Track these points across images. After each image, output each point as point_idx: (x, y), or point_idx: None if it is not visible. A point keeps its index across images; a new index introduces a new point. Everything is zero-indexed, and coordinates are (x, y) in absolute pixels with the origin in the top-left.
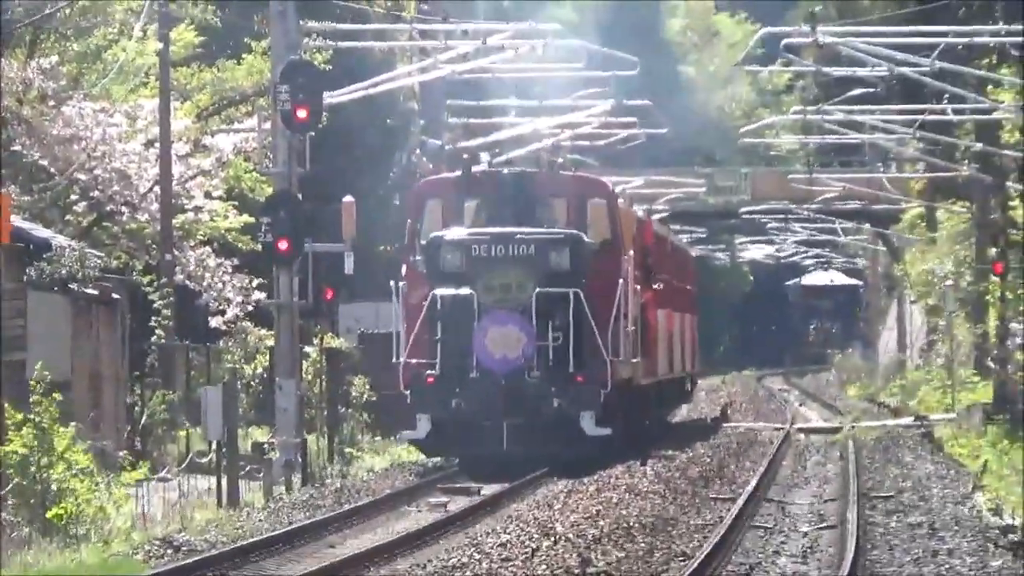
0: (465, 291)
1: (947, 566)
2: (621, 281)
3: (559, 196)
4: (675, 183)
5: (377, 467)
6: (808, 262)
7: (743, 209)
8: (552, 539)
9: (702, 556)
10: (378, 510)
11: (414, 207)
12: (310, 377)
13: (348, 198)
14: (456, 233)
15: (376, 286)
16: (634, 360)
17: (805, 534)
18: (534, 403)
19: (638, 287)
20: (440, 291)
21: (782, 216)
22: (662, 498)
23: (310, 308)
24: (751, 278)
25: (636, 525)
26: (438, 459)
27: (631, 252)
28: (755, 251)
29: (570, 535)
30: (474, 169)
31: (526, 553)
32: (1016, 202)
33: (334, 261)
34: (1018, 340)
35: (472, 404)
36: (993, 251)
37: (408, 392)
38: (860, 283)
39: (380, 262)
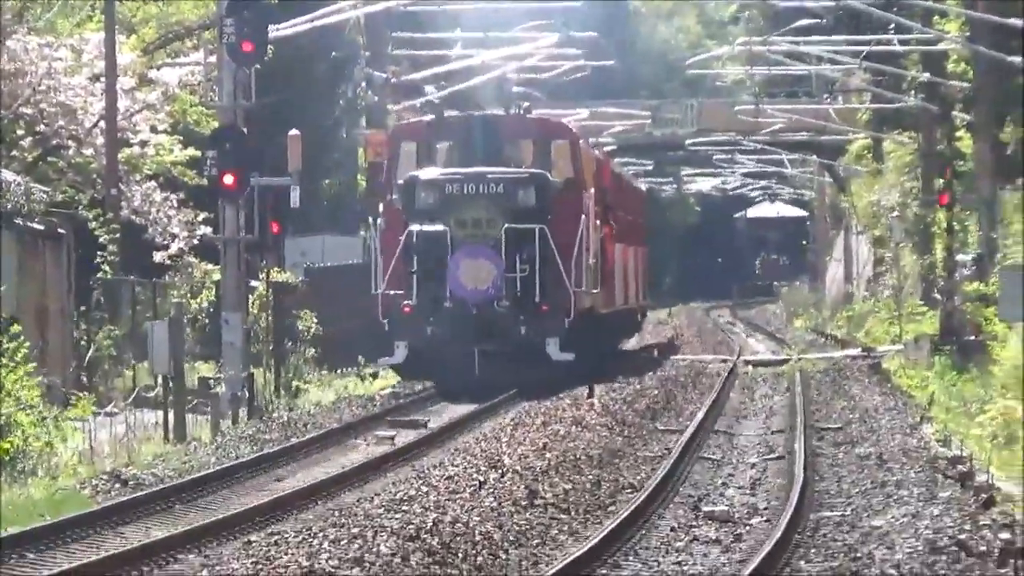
0: (439, 227)
1: (895, 497)
2: (583, 217)
3: (525, 138)
4: (621, 115)
5: (324, 401)
6: (755, 194)
7: (689, 141)
8: (499, 471)
9: (650, 488)
10: (325, 443)
11: (391, 149)
12: (256, 311)
13: (294, 131)
14: (430, 173)
15: (323, 219)
16: (594, 291)
17: (753, 465)
18: (503, 330)
19: (598, 223)
20: (415, 227)
21: (728, 148)
22: (609, 430)
23: (256, 242)
24: (698, 210)
25: (583, 457)
26: (385, 391)
27: (592, 190)
28: (702, 183)
29: (518, 467)
30: (446, 113)
31: (473, 485)
32: (962, 133)
33: (280, 195)
34: (965, 271)
35: (446, 331)
36: (939, 182)
37: (386, 321)
38: (807, 215)
39: (326, 195)
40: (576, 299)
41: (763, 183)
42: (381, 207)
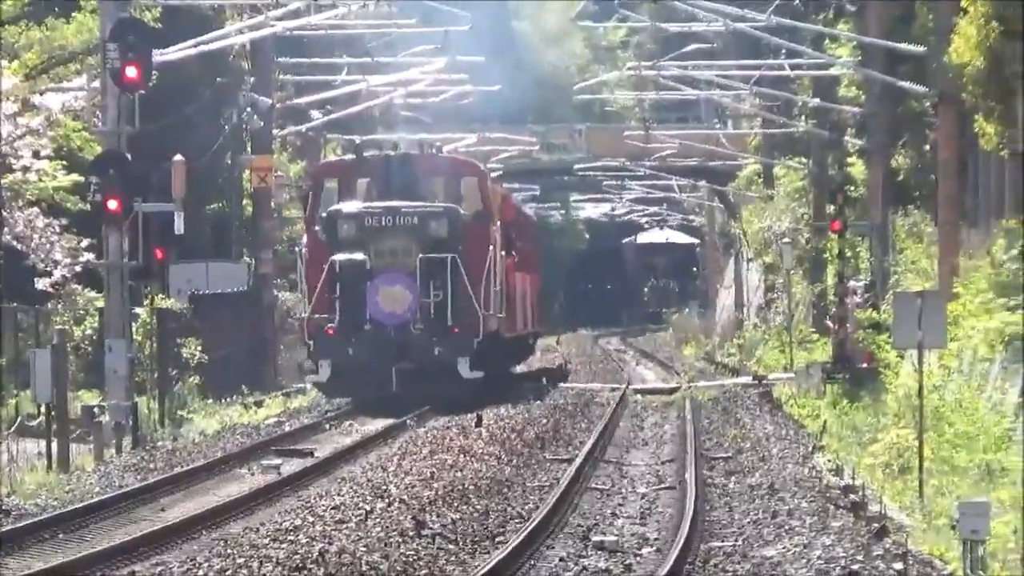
0: (359, 256)
1: (787, 526)
2: (491, 247)
3: (437, 175)
4: (509, 140)
5: (209, 430)
6: (644, 220)
7: (578, 166)
8: (386, 501)
9: (539, 517)
10: (210, 473)
11: (314, 185)
12: (140, 339)
13: (178, 157)
14: (351, 207)
15: (207, 246)
16: (500, 315)
17: (643, 495)
18: (418, 351)
19: (503, 253)
20: (338, 256)
21: (618, 174)
22: (497, 460)
23: (140, 268)
24: (587, 236)
25: (471, 487)
26: (270, 420)
27: (498, 223)
28: (590, 209)
29: (404, 497)
30: (365, 153)
31: (360, 515)
32: (854, 158)
33: (165, 221)
34: (856, 298)
35: (366, 352)
36: (831, 208)
37: (311, 342)
38: (697, 241)
39: (211, 221)
40: (484, 322)
41: (653, 209)
42: (305, 238)
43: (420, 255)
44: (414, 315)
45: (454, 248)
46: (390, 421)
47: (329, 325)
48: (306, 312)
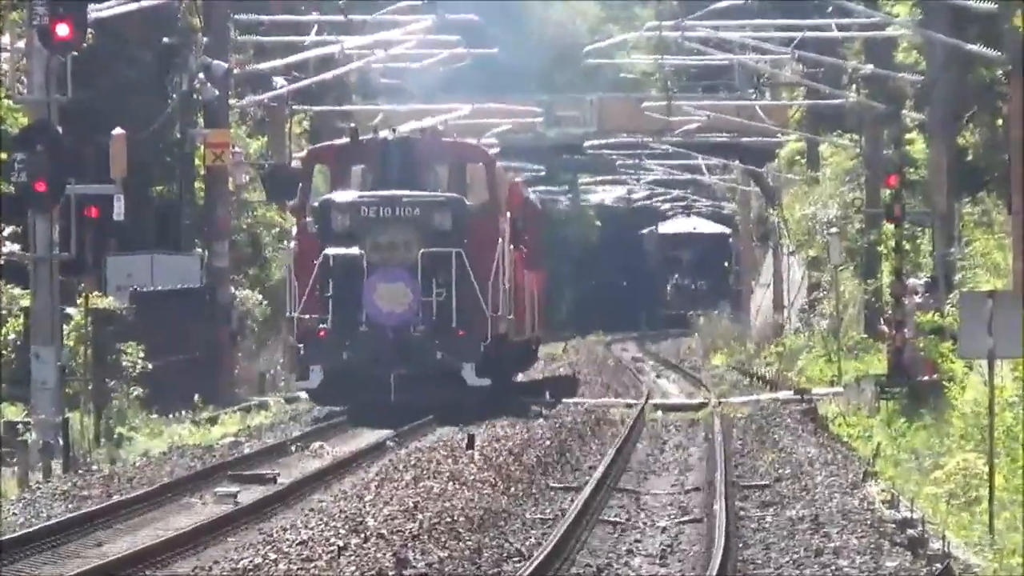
0: (355, 250)
1: (833, 567)
2: (500, 241)
3: (441, 161)
4: (507, 112)
5: (154, 451)
6: (666, 207)
7: (588, 143)
8: (362, 536)
9: (541, 556)
10: (155, 502)
11: (304, 172)
12: (73, 344)
13: (118, 131)
14: (345, 196)
15: (151, 235)
16: (509, 317)
17: (664, 530)
18: (419, 355)
19: (511, 247)
20: (331, 250)
21: (635, 152)
22: (492, 487)
23: (73, 261)
24: (598, 225)
25: (462, 519)
26: (226, 439)
27: (508, 214)
28: (603, 193)
29: (383, 531)
30: (361, 136)
31: (331, 552)
32: (913, 135)
33: (102, 206)
34: (916, 299)
35: (361, 356)
36: (886, 193)
37: (301, 345)
38: (728, 232)
39: (156, 207)
40: (493, 324)
41: (676, 193)
42: (295, 230)
43: (422, 249)
44: (415, 315)
45: (459, 242)
46: (373, 440)
47: (321, 326)
48: (295, 312)
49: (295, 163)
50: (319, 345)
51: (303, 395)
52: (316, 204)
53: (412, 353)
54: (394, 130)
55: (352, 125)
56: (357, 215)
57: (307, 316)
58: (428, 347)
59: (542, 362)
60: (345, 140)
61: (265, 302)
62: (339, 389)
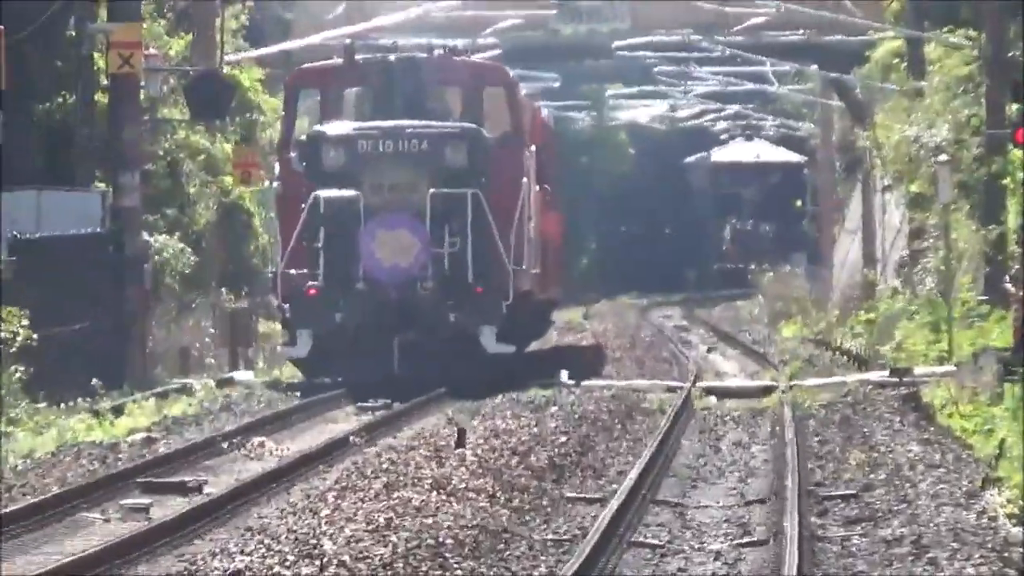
0: (350, 193)
1: None
2: (524, 180)
3: (453, 84)
4: (513, 4)
5: (40, 450)
6: (721, 127)
7: (618, 43)
8: (317, 564)
9: None
10: (42, 518)
11: (288, 98)
12: None
13: None
14: (339, 128)
15: (38, 165)
16: (535, 271)
17: (717, 555)
18: (428, 317)
19: (536, 187)
20: (322, 193)
21: (681, 56)
22: (490, 499)
23: None
24: (631, 153)
25: (449, 542)
26: (136, 435)
27: (532, 147)
28: (638, 111)
29: (345, 558)
30: (357, 56)
31: None
32: None
33: None
34: None
35: (358, 319)
36: (1013, 108)
37: (287, 306)
38: (803, 160)
39: (44, 127)
40: (515, 279)
41: (734, 110)
42: (278, 168)
43: (431, 190)
44: (422, 270)
45: (476, 181)
46: (334, 434)
47: (310, 283)
48: (279, 266)
49: (230, 70)
50: (308, 306)
51: (249, 376)
52: (304, 138)
53: (419, 314)
54: (395, 45)
55: (348, 41)
56: (353, 150)
57: (293, 271)
58: (439, 307)
59: (555, 333)
60: (338, 60)
61: (189, 252)
62: (332, 358)
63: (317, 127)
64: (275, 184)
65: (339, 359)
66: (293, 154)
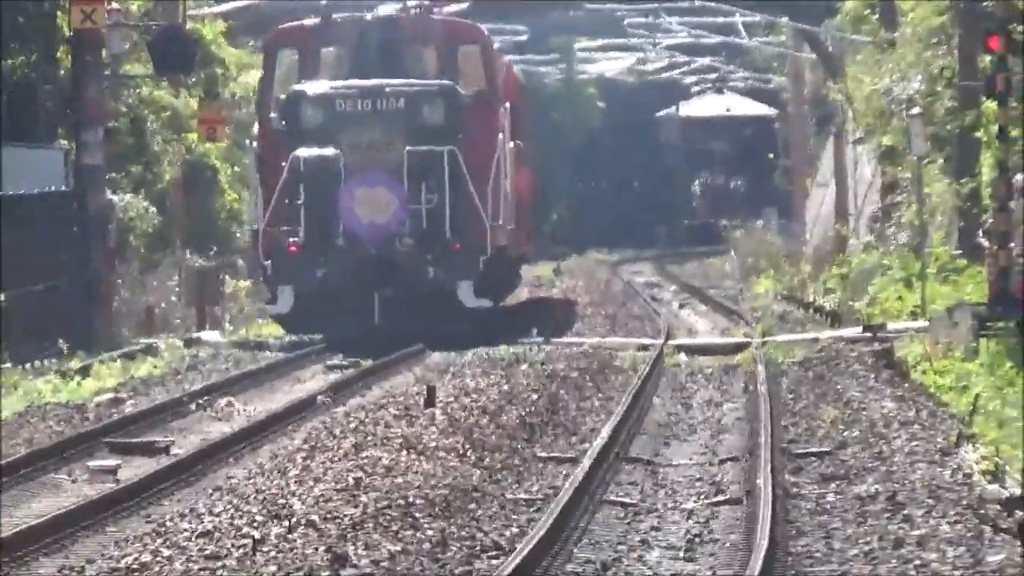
0: (329, 151)
1: (917, 563)
2: (499, 136)
3: (428, 43)
4: None
5: (5, 411)
6: (692, 81)
7: None
8: (286, 523)
9: (526, 550)
10: (9, 480)
11: (268, 58)
12: None
13: None
14: (318, 87)
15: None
16: (510, 227)
17: (690, 514)
18: (407, 273)
19: (511, 144)
20: (302, 152)
21: (650, 6)
22: (460, 458)
23: None
24: (601, 107)
25: (419, 502)
26: (103, 395)
27: (507, 105)
28: (606, 64)
29: (314, 517)
30: (334, 15)
31: (244, 547)
32: None
33: None
34: None
35: (339, 275)
36: (987, 59)
37: (268, 263)
38: (774, 113)
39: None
40: (493, 235)
41: (705, 62)
42: (257, 128)
43: (408, 148)
44: (401, 226)
45: (453, 138)
46: (302, 394)
47: (291, 240)
48: (261, 223)
49: (192, 24)
50: (289, 263)
51: (216, 336)
52: (283, 97)
53: (398, 270)
54: (372, 7)
55: (324, 2)
56: (332, 109)
57: (274, 229)
58: (417, 263)
59: (526, 288)
60: (316, 20)
61: (154, 211)
62: (314, 313)
63: (296, 86)
64: (255, 143)
65: (320, 315)
66: (273, 114)
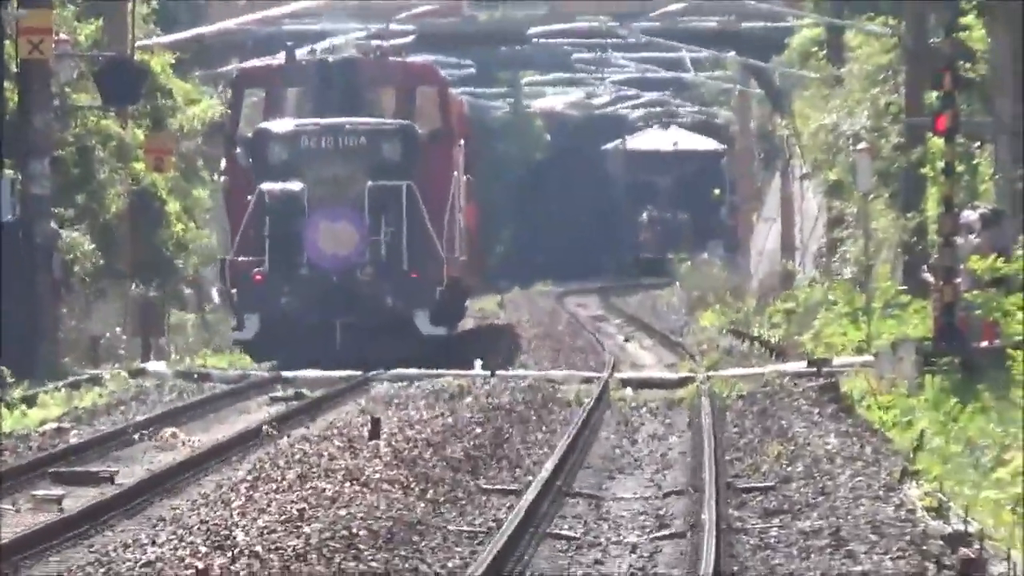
0: (294, 185)
1: None
2: (455, 173)
3: (387, 84)
4: None
5: None
6: (638, 115)
7: (534, 29)
8: (229, 555)
9: None
10: None
11: (235, 96)
12: None
13: None
14: (282, 125)
15: None
16: (463, 259)
17: (634, 548)
18: (367, 301)
19: (465, 179)
20: (267, 185)
21: (597, 41)
22: (404, 490)
23: None
24: (547, 140)
25: (363, 533)
26: (47, 425)
27: (462, 142)
28: (554, 98)
29: (257, 548)
30: (297, 55)
31: None
32: (970, 17)
33: None
34: (973, 239)
35: (302, 302)
36: (934, 96)
37: (235, 291)
38: (721, 148)
39: None
40: (449, 266)
41: (652, 97)
42: (224, 163)
43: (369, 183)
44: (361, 257)
45: (410, 174)
46: (245, 426)
47: (256, 270)
48: (229, 254)
49: (141, 55)
50: (254, 291)
51: (161, 367)
52: (249, 134)
53: (359, 299)
54: (333, 49)
55: (289, 43)
56: (296, 146)
57: (241, 259)
58: (376, 292)
59: (471, 320)
60: (280, 60)
61: (99, 255)
62: (278, 340)
63: (262, 124)
64: (223, 178)
65: (284, 341)
66: (239, 150)
